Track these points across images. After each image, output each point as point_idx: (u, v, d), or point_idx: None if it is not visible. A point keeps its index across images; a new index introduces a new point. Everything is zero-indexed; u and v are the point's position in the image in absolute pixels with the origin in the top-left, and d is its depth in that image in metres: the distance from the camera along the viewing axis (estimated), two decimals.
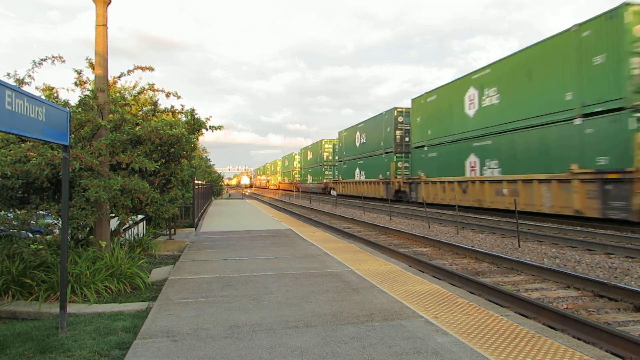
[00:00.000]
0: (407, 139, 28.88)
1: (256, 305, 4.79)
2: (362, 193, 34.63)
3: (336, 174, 45.96)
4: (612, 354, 3.81)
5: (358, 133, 37.24)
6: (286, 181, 74.98)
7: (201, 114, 8.53)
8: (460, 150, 21.57)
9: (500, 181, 18.39)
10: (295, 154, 68.26)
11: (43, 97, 6.74)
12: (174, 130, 6.99)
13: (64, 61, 6.76)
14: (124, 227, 8.51)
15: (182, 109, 8.14)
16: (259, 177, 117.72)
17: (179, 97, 8.07)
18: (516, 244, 11.25)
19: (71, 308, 4.88)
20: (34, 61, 6.55)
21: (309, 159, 58.09)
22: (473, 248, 10.21)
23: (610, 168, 13.24)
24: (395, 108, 29.42)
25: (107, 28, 7.02)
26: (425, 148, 25.14)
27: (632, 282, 7.21)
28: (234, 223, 15.25)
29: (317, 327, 4.04)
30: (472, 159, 20.64)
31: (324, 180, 49.51)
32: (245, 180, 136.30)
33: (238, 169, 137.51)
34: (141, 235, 9.63)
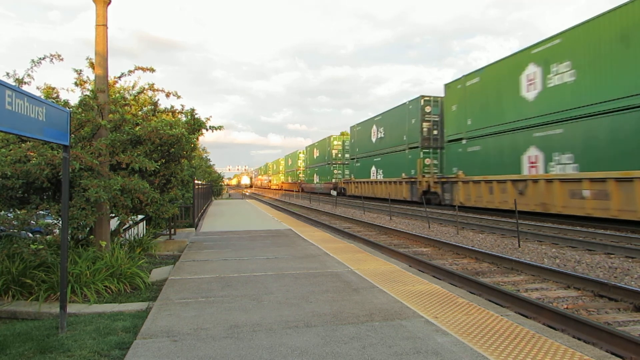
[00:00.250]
0: (435, 132, 25.52)
1: (256, 305, 4.79)
2: (379, 194, 30.95)
3: (347, 173, 42.05)
4: (612, 354, 3.81)
5: (375, 127, 32.95)
6: (290, 181, 69.60)
7: (201, 114, 8.55)
8: (515, 142, 17.70)
9: (578, 180, 14.51)
10: (300, 152, 63.46)
11: (43, 97, 6.74)
12: (174, 130, 7.00)
13: (62, 59, 6.75)
14: (124, 227, 8.52)
15: (182, 109, 8.15)
16: (260, 177, 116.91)
17: (179, 97, 8.08)
18: (516, 244, 11.26)
19: (71, 308, 4.88)
20: (32, 60, 6.55)
21: (315, 157, 53.30)
22: (473, 248, 10.21)
23: None
24: (422, 96, 25.75)
25: (107, 28, 7.03)
26: (464, 141, 21.22)
27: (632, 282, 7.21)
28: (234, 223, 15.25)
29: (317, 327, 4.04)
30: (533, 152, 16.66)
31: (333, 180, 44.86)
32: (245, 180, 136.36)
33: (238, 169, 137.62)
34: (141, 235, 9.63)
